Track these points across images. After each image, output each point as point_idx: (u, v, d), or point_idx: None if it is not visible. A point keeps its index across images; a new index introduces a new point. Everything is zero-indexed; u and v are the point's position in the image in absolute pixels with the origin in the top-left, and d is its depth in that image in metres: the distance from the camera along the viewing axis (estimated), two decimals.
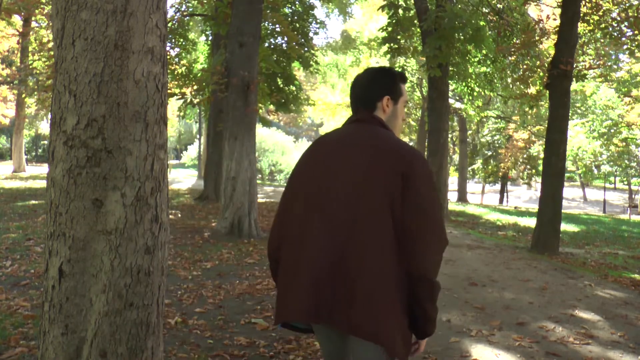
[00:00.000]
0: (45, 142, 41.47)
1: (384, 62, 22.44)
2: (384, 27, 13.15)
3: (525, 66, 13.04)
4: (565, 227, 13.23)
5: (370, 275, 1.58)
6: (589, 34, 12.15)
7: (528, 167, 31.36)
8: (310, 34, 15.73)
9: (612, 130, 27.06)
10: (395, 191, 1.61)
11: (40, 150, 44.37)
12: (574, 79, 8.95)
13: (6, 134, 41.77)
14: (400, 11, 13.02)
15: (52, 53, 13.17)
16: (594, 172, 31.70)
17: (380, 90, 1.84)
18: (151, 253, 1.86)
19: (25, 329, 3.47)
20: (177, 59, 16.03)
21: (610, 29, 10.92)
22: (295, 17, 15.33)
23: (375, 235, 1.60)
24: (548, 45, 13.91)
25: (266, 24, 12.70)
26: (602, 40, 13.07)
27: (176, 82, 15.10)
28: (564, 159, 8.52)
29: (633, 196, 34.09)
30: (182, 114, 17.41)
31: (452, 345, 3.61)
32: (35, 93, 18.76)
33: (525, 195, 40.73)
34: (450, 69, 12.89)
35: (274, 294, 4.78)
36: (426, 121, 16.59)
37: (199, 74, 15.44)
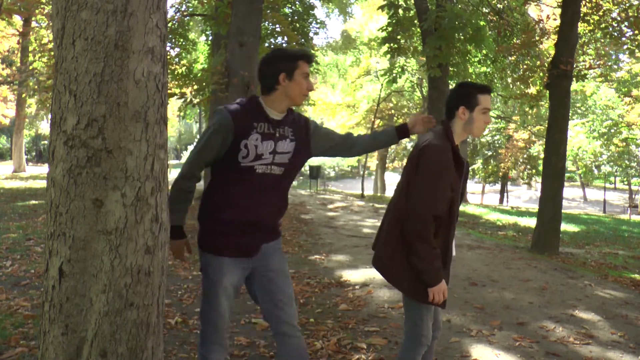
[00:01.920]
0: (46, 142, 41.47)
1: (384, 62, 22.45)
2: (384, 27, 13.14)
3: (525, 66, 13.03)
4: (565, 227, 13.23)
5: (385, 231, 2.40)
6: (589, 34, 12.15)
7: (528, 167, 31.34)
8: (310, 34, 15.72)
9: (612, 130, 27.06)
10: (410, 176, 2.29)
11: (41, 150, 44.34)
12: (574, 79, 8.94)
13: (6, 134, 41.79)
14: (400, 11, 13.00)
15: (52, 53, 13.16)
16: (594, 172, 31.69)
17: (457, 101, 2.33)
18: (151, 253, 1.86)
19: (25, 329, 3.47)
20: (177, 59, 16.02)
21: (610, 29, 10.91)
22: (295, 17, 15.32)
23: (395, 207, 2.36)
24: (548, 45, 13.90)
25: (266, 24, 12.69)
26: (602, 40, 13.07)
27: (176, 82, 15.10)
28: (564, 159, 8.51)
29: (633, 196, 34.10)
30: (182, 114, 17.42)
31: (452, 345, 3.61)
32: (36, 94, 18.77)
33: (525, 195, 40.74)
34: (450, 69, 12.89)
35: None
36: None
37: (199, 74, 15.44)
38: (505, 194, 33.70)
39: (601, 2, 10.84)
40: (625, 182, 36.30)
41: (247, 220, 2.20)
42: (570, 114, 10.35)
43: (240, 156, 2.15)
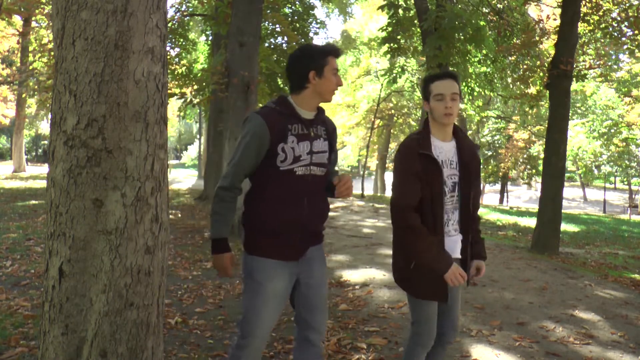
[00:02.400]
0: (46, 142, 41.47)
1: (384, 62, 22.45)
2: (384, 27, 13.13)
3: (525, 66, 13.02)
4: (565, 227, 13.23)
5: None
6: (589, 34, 12.14)
7: (528, 167, 31.33)
8: (310, 34, 15.70)
9: (612, 130, 27.07)
10: None
11: (40, 151, 44.37)
12: (574, 79, 8.94)
13: (6, 134, 41.79)
14: (400, 11, 12.98)
15: (52, 53, 13.15)
16: (594, 172, 31.69)
17: (422, 95, 2.42)
18: (151, 253, 1.86)
19: (25, 329, 3.47)
20: (177, 59, 16.01)
21: (610, 29, 10.91)
22: (295, 17, 15.31)
23: None
24: (548, 45, 13.90)
25: (266, 24, 12.69)
26: (602, 40, 13.06)
27: (176, 82, 15.09)
28: (564, 159, 8.51)
29: (633, 196, 34.09)
30: (182, 114, 17.41)
31: (452, 345, 3.60)
32: (36, 94, 18.76)
33: (525, 195, 40.73)
34: (450, 69, 12.88)
35: None
36: None
37: (199, 74, 15.44)
38: (505, 194, 33.70)
39: (601, 2, 10.83)
40: (625, 182, 36.29)
41: (293, 222, 2.16)
42: (570, 114, 10.35)
43: (279, 160, 2.11)
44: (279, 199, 2.14)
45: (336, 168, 2.53)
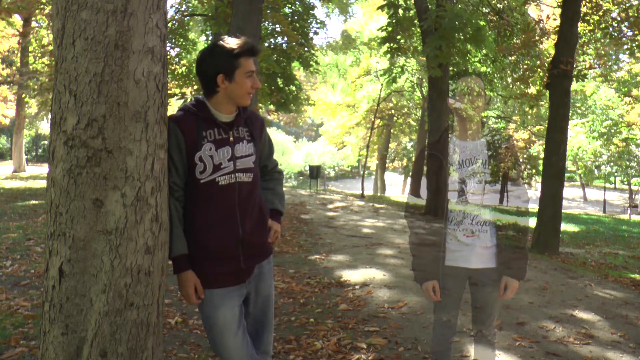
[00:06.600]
0: (46, 142, 41.49)
1: (384, 62, 22.44)
2: (384, 27, 13.13)
3: (525, 66, 13.04)
4: (565, 227, 13.24)
5: None
6: (589, 34, 12.16)
7: (528, 167, 31.33)
8: (310, 34, 15.70)
9: (612, 130, 27.11)
10: None
11: (40, 150, 44.39)
12: (574, 78, 8.95)
13: (6, 134, 41.80)
14: (400, 11, 12.99)
15: (52, 54, 13.14)
16: (594, 172, 31.71)
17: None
18: (151, 253, 1.86)
19: (25, 328, 3.47)
20: (177, 59, 16.02)
21: (610, 29, 10.93)
22: (295, 17, 15.31)
23: None
24: (548, 45, 13.92)
25: (266, 24, 12.69)
26: (602, 40, 13.08)
27: (176, 82, 15.10)
28: (564, 159, 8.53)
29: (633, 196, 34.09)
30: None
31: (452, 345, 3.60)
32: (36, 94, 18.76)
33: None
34: (450, 69, 12.89)
35: None
36: (426, 121, 16.61)
37: None
38: (505, 194, 33.68)
39: (601, 2, 10.85)
40: (625, 182, 36.29)
41: (231, 242, 1.99)
42: (570, 114, 10.37)
43: (198, 171, 1.94)
44: (209, 218, 1.97)
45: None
